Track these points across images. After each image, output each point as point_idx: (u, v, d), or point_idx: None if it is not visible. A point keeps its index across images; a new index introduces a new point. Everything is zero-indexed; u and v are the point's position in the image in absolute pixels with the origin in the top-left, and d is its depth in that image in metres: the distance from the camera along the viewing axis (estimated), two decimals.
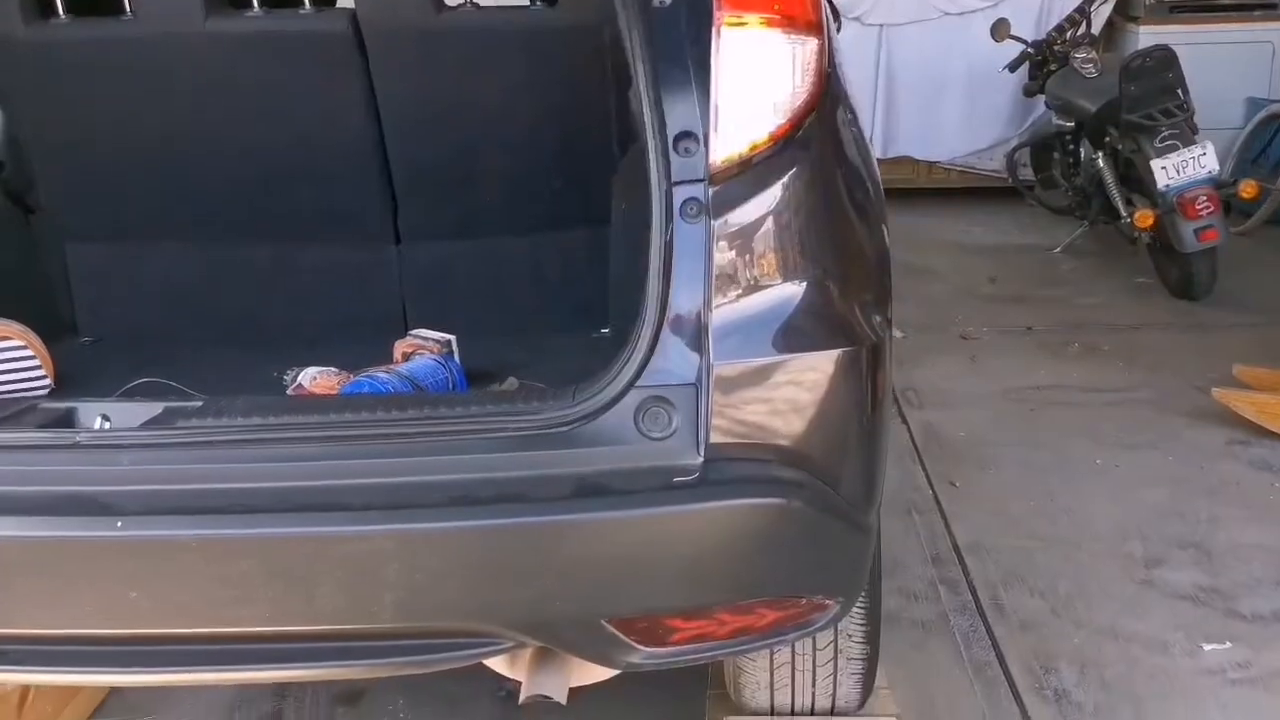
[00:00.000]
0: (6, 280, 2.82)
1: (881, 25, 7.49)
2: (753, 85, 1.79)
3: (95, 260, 2.93)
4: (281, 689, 2.94)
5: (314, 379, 2.26)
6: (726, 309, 1.76)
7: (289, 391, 2.30)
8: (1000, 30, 6.36)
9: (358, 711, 2.87)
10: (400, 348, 2.43)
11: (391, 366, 2.26)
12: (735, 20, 1.78)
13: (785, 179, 1.80)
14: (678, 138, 1.77)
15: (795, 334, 1.79)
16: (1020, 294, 6.06)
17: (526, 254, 2.90)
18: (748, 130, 1.78)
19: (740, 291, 1.77)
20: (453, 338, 2.47)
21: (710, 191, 1.76)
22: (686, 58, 1.79)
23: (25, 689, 2.62)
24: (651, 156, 1.78)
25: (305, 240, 2.88)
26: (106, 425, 1.85)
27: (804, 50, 1.82)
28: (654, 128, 1.78)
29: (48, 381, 2.45)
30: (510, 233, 2.88)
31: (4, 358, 2.40)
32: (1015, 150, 7.17)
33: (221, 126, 2.75)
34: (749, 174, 1.78)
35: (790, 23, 1.80)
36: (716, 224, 1.76)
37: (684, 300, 1.75)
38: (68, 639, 1.82)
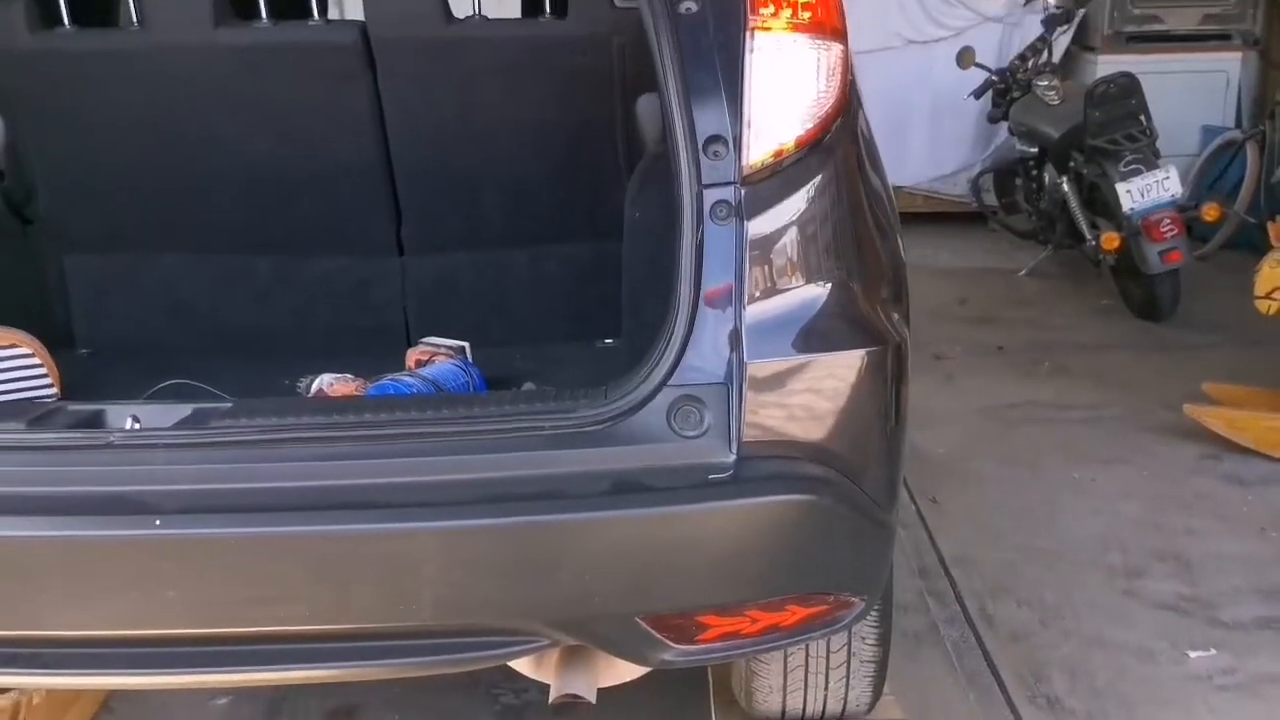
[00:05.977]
0: (2, 291, 2.79)
1: None
2: (782, 90, 1.83)
3: (94, 271, 2.91)
4: (276, 704, 2.92)
5: (331, 384, 2.26)
6: (757, 309, 1.78)
7: (311, 396, 2.29)
8: (965, 58, 6.48)
9: None
10: (413, 355, 2.45)
11: (413, 370, 2.26)
12: (766, 25, 1.82)
13: (813, 182, 1.84)
14: (707, 141, 1.80)
15: (824, 334, 1.83)
16: (990, 315, 6.15)
17: (528, 265, 2.91)
18: (777, 134, 1.82)
19: (770, 292, 1.80)
20: (465, 344, 2.48)
21: (741, 193, 1.79)
22: (715, 62, 1.82)
23: (18, 701, 2.57)
24: (682, 160, 1.81)
25: (307, 252, 2.88)
26: (137, 426, 1.84)
27: (830, 55, 1.86)
28: (684, 131, 1.81)
29: (54, 391, 2.42)
30: (513, 244, 2.89)
31: (12, 366, 2.38)
32: (979, 175, 7.30)
33: (226, 138, 2.74)
34: (778, 177, 1.82)
35: (819, 28, 1.84)
36: (746, 226, 1.79)
37: (714, 301, 1.77)
38: (91, 641, 1.80)
